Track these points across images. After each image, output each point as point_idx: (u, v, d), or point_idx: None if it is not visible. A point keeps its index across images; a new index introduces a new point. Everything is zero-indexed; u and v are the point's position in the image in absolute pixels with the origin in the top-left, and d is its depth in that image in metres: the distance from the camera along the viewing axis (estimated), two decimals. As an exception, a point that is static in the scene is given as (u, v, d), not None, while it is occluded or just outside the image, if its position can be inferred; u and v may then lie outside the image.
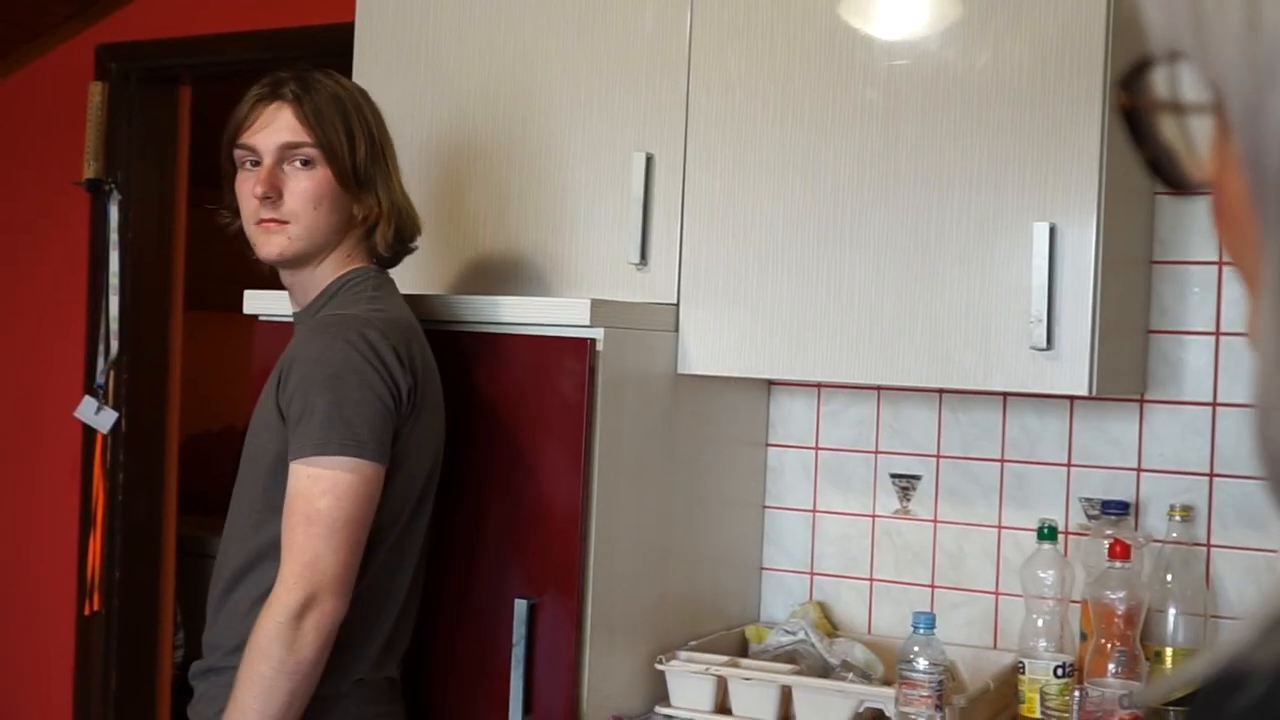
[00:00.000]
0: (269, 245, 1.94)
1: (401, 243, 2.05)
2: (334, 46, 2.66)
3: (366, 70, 2.52)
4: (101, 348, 3.66)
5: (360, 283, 1.98)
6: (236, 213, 2.01)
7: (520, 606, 2.03)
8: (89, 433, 3.68)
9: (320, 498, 1.80)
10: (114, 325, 3.64)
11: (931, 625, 1.94)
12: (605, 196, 2.31)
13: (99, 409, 3.64)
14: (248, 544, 1.92)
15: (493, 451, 2.10)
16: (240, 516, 1.96)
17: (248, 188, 1.95)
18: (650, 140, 2.28)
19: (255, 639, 1.78)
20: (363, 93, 2.05)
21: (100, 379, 3.65)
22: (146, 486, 3.76)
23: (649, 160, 2.26)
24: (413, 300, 2.16)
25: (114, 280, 3.64)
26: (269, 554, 1.87)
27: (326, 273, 1.99)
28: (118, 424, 3.65)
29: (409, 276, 2.42)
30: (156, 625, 3.80)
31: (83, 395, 3.67)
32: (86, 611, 3.67)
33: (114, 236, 3.65)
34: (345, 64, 2.49)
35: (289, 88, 1.95)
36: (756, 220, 2.20)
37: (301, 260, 1.97)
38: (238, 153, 1.97)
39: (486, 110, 2.42)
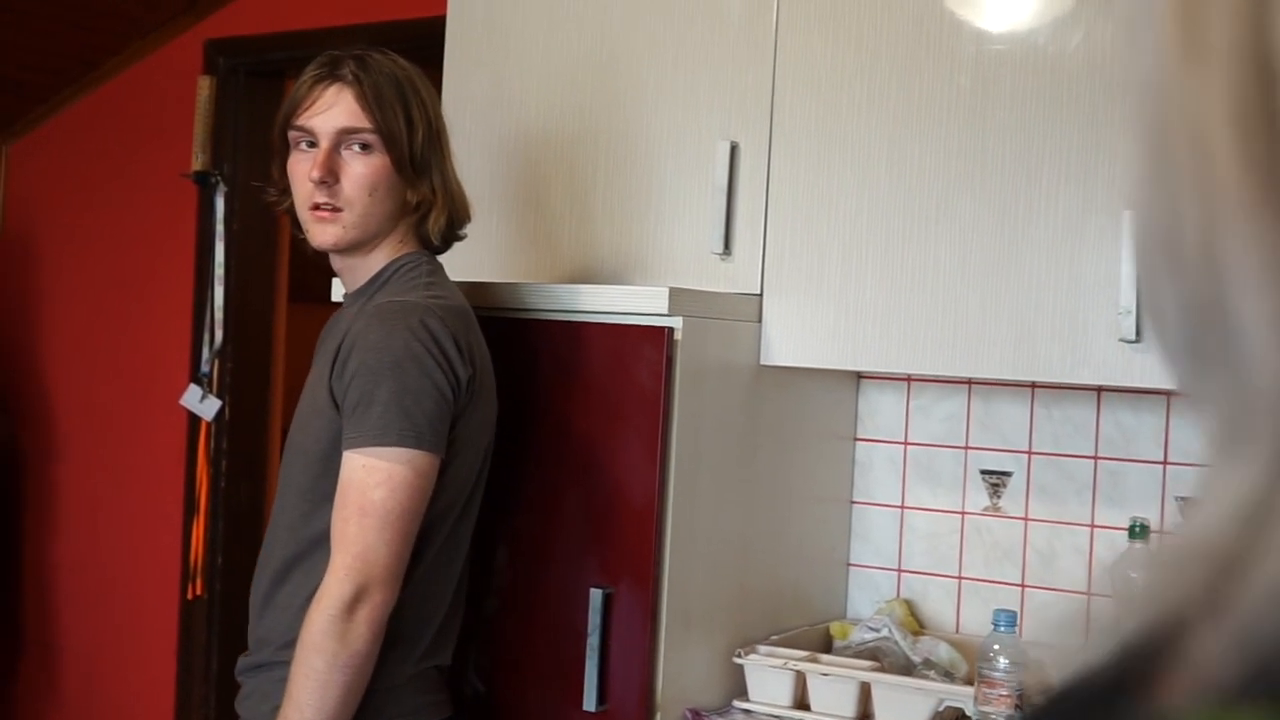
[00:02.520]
0: (323, 235, 1.92)
1: (452, 229, 2.01)
2: (430, 40, 2.68)
3: (457, 61, 2.54)
4: (207, 337, 3.73)
5: (414, 268, 1.95)
6: (284, 191, 1.99)
7: (595, 596, 2.03)
8: (194, 420, 3.76)
9: (375, 489, 1.78)
10: (219, 315, 3.72)
11: (1012, 623, 1.90)
12: (689, 186, 2.29)
13: (204, 397, 3.71)
14: (298, 534, 1.90)
15: (570, 439, 2.09)
16: (289, 506, 1.93)
17: (303, 170, 1.92)
18: (735, 129, 2.26)
19: (307, 633, 1.76)
20: (419, 74, 2.01)
21: (205, 367, 3.73)
22: (249, 473, 3.83)
23: (733, 149, 2.24)
24: (490, 288, 2.17)
25: (219, 271, 3.72)
26: (320, 545, 1.85)
27: (379, 258, 1.97)
28: (221, 412, 3.73)
29: (491, 265, 2.43)
30: (257, 610, 3.87)
31: (188, 383, 3.75)
32: (190, 595, 3.75)
33: (220, 228, 3.72)
34: (438, 56, 2.51)
35: (348, 68, 1.91)
36: (842, 209, 2.17)
37: (355, 248, 1.95)
38: (293, 133, 1.94)
39: (572, 100, 2.42)
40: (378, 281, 1.96)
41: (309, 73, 1.94)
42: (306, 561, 1.87)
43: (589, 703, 2.02)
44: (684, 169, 2.30)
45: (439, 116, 2.01)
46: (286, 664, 1.81)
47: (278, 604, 1.91)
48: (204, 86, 3.69)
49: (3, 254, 4.25)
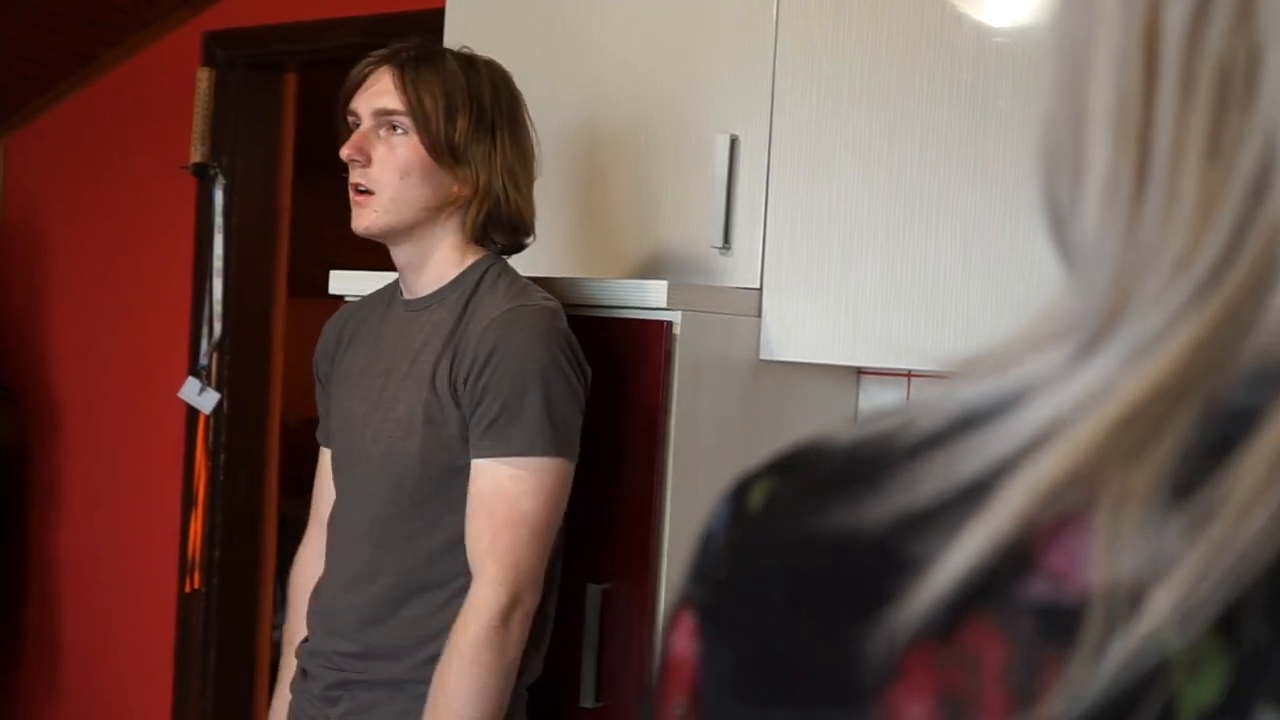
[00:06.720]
0: (358, 219, 1.88)
1: (501, 232, 1.94)
2: (428, 32, 2.66)
3: (455, 52, 2.52)
4: (205, 330, 3.71)
5: (505, 270, 1.93)
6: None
7: (592, 592, 2.01)
8: (192, 413, 3.75)
9: (524, 499, 1.77)
10: (217, 308, 3.70)
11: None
12: (689, 179, 2.27)
13: (202, 390, 3.70)
14: (421, 547, 1.85)
15: (568, 435, 2.08)
16: (401, 517, 1.87)
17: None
18: (734, 122, 2.24)
19: (464, 644, 1.74)
20: (500, 75, 1.95)
21: (203, 360, 3.71)
22: (247, 467, 3.81)
23: (733, 142, 2.22)
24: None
25: (218, 264, 3.70)
26: (448, 554, 1.83)
27: (446, 258, 1.92)
28: (220, 405, 3.71)
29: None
30: (256, 604, 3.86)
31: (187, 376, 3.73)
32: (187, 589, 3.74)
33: (218, 220, 3.71)
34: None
35: (402, 54, 1.88)
36: (842, 202, 2.15)
37: (394, 235, 1.89)
38: (348, 118, 1.92)
39: (569, 93, 2.40)
40: (463, 284, 1.90)
41: (369, 56, 1.92)
42: (434, 571, 1.85)
43: (586, 699, 2.01)
44: (683, 162, 2.28)
45: (506, 113, 1.93)
46: (428, 681, 1.79)
47: (405, 618, 1.86)
48: (203, 79, 3.67)
49: (2, 246, 4.24)
